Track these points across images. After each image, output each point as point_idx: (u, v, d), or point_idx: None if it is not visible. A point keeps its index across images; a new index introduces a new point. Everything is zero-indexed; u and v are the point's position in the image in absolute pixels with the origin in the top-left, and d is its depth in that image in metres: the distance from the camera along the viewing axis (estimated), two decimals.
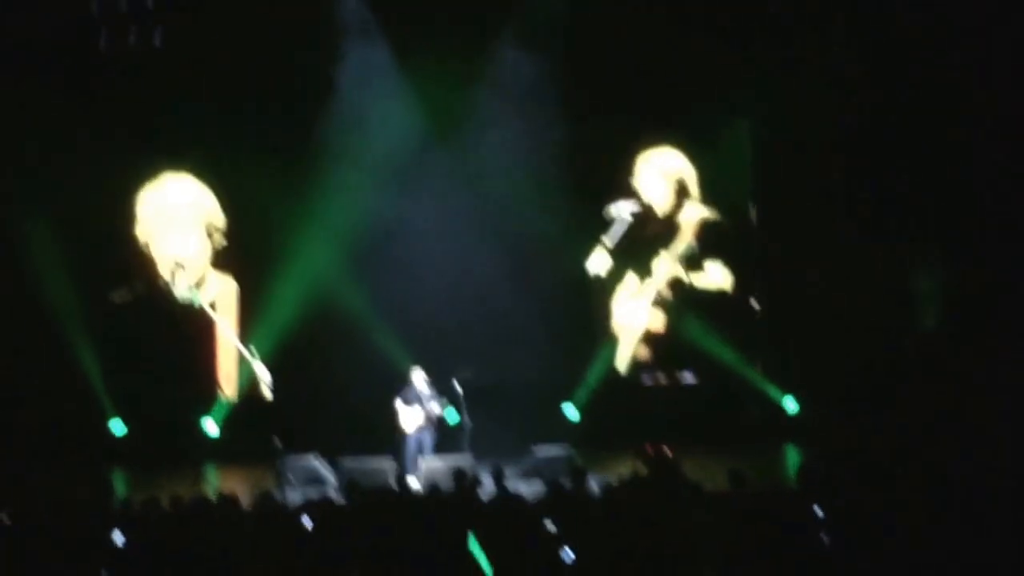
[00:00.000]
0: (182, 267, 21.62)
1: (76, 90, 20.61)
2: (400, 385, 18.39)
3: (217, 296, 21.66)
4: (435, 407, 18.03)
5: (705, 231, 21.15)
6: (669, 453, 15.99)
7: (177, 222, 21.76)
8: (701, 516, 11.22)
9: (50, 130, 20.38)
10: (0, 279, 20.59)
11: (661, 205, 21.23)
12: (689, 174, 21.18)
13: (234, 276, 21.70)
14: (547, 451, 18.14)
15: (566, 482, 13.34)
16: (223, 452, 20.78)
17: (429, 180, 20.95)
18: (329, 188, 20.56)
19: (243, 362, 20.96)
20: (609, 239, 21.08)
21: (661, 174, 21.21)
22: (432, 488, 13.53)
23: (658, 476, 14.06)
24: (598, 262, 21.06)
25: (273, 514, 12.29)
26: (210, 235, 21.69)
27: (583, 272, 21.24)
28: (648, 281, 21.25)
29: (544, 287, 21.23)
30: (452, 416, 18.25)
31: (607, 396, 20.83)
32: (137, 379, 20.98)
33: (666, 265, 21.13)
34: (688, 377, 21.19)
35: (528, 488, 15.16)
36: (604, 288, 21.29)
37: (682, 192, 21.19)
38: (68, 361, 20.82)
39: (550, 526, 11.51)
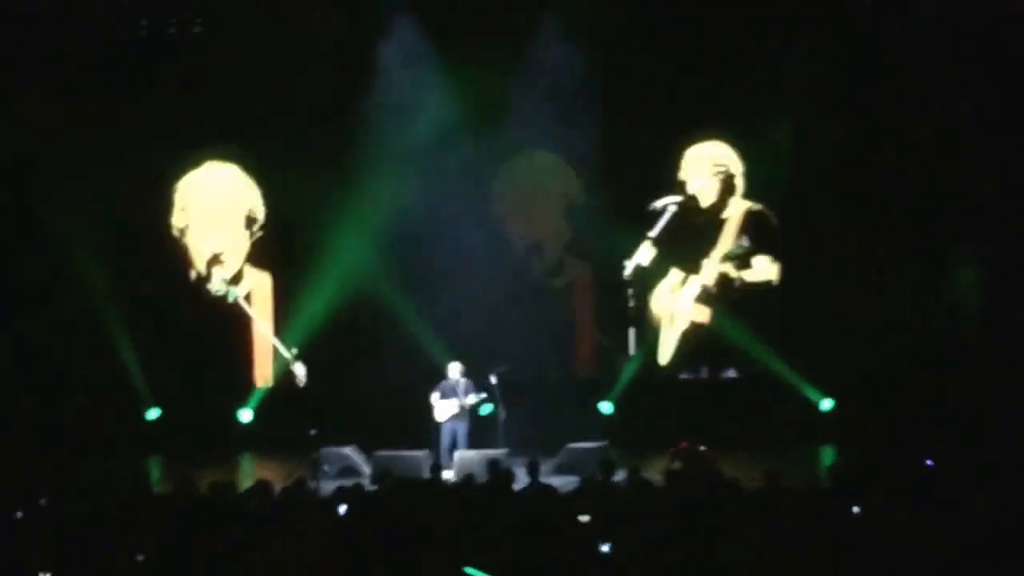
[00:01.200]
0: (220, 262, 21.67)
1: (117, 77, 20.68)
2: (437, 379, 18.41)
3: (252, 289, 21.71)
4: (470, 400, 18.05)
5: (751, 224, 21.06)
6: (704, 450, 16.01)
7: (216, 213, 21.84)
8: (736, 512, 11.20)
9: (90, 117, 20.48)
10: (39, 267, 20.66)
11: (707, 198, 21.18)
12: (736, 168, 21.11)
13: (269, 269, 21.74)
14: (581, 446, 18.12)
15: (598, 475, 13.35)
16: (259, 442, 20.87)
17: (466, 172, 20.94)
18: (366, 179, 20.56)
19: (277, 356, 21.06)
20: (653, 232, 21.04)
21: (708, 168, 21.16)
22: (465, 478, 13.55)
23: (693, 473, 14.05)
24: (641, 255, 21.02)
25: (305, 502, 12.35)
26: (248, 227, 21.75)
27: (623, 267, 21.07)
28: (693, 276, 21.20)
29: (583, 282, 21.28)
30: (486, 408, 18.25)
31: (644, 391, 20.71)
32: (173, 369, 21.05)
33: (714, 262, 21.07)
34: (729, 373, 21.09)
35: (561, 482, 15.10)
36: (645, 281, 21.16)
37: (728, 186, 21.13)
38: (107, 350, 20.90)
39: (583, 518, 11.50)
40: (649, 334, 21.25)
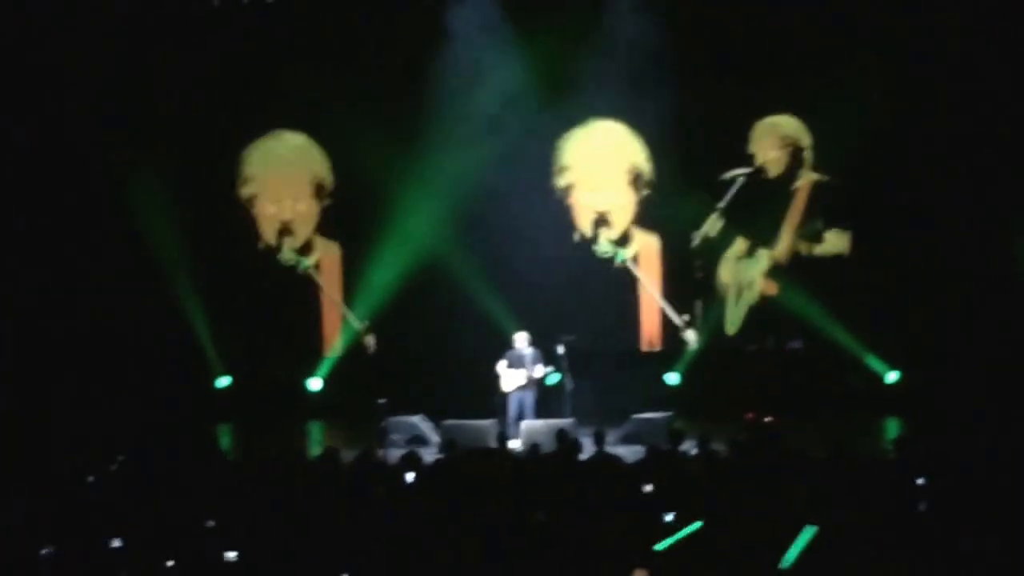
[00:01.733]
0: (290, 231, 21.81)
1: (189, 46, 20.83)
2: (504, 349, 18.48)
3: (321, 259, 21.85)
4: (538, 370, 18.06)
5: (819, 196, 20.97)
6: (770, 420, 15.98)
7: (285, 182, 21.98)
8: (801, 482, 11.20)
9: (162, 84, 20.68)
10: (111, 235, 20.90)
11: (776, 170, 21.09)
12: (805, 141, 21.01)
13: (338, 238, 21.89)
14: (647, 417, 18.14)
15: (663, 445, 13.38)
16: (328, 411, 21.03)
17: (534, 141, 20.96)
18: (436, 148, 20.59)
19: (347, 325, 21.20)
20: (722, 203, 21.01)
21: (777, 140, 21.07)
22: (532, 448, 13.61)
23: (759, 443, 14.05)
24: (709, 226, 20.99)
25: (374, 469, 12.46)
26: (317, 196, 21.86)
27: (691, 238, 21.05)
28: (763, 248, 21.15)
29: (650, 254, 21.33)
30: (553, 378, 18.28)
31: (711, 361, 20.73)
32: (243, 338, 21.23)
33: (786, 238, 21.02)
34: (795, 344, 20.99)
35: (628, 451, 15.13)
36: (713, 252, 21.14)
37: (797, 159, 21.04)
38: (178, 318, 21.10)
39: (647, 487, 11.54)
40: (716, 305, 21.18)
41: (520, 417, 17.96)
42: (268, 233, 21.87)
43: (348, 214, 21.68)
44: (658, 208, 21.34)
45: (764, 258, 21.25)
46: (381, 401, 17.78)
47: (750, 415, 16.32)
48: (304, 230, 21.87)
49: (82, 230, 20.84)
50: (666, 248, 21.53)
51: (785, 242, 21.16)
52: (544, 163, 21.36)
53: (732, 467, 12.50)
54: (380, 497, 11.46)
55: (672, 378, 20.85)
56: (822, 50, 20.08)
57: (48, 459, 13.52)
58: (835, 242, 21.03)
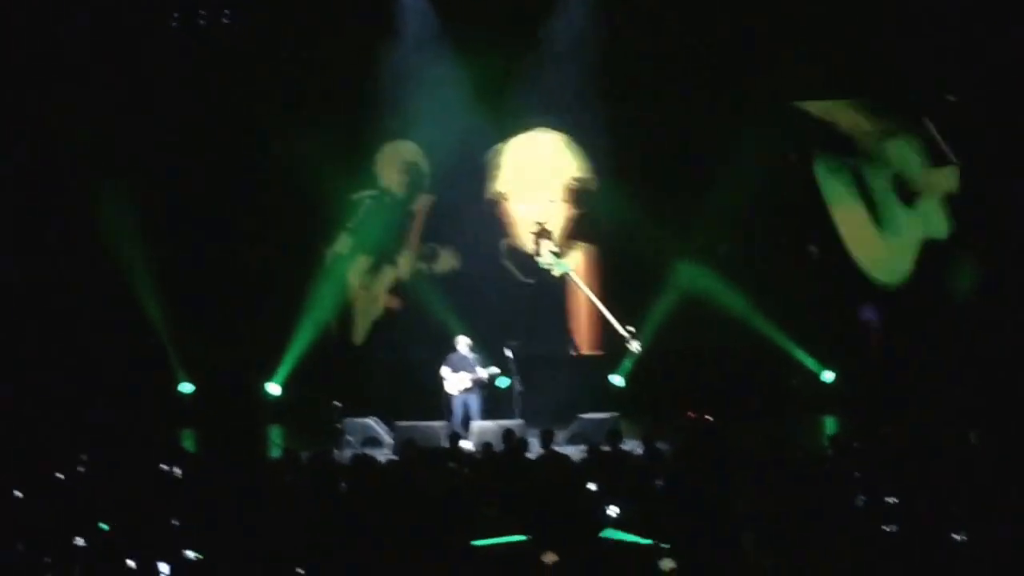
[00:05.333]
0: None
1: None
2: (447, 353, 18.47)
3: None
4: (481, 372, 18.05)
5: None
6: (709, 419, 16.04)
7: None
8: (741, 479, 11.23)
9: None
10: (79, 240, 20.93)
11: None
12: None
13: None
14: (593, 417, 18.17)
15: (605, 444, 13.41)
16: (287, 415, 20.94)
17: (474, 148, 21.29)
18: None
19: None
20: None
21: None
22: (484, 447, 13.63)
23: (700, 441, 14.09)
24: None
25: (327, 469, 12.45)
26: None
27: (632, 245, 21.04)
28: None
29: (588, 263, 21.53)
30: (503, 381, 18.31)
31: (655, 363, 20.68)
32: (207, 344, 21.10)
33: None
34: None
35: (574, 451, 15.14)
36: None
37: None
38: (142, 325, 21.05)
39: (592, 486, 11.55)
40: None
41: (467, 418, 17.99)
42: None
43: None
44: (594, 220, 21.33)
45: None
46: (337, 404, 17.83)
47: (691, 414, 16.38)
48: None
49: (52, 233, 20.84)
50: (602, 258, 21.57)
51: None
52: (480, 170, 21.48)
53: (673, 463, 12.53)
54: (336, 495, 11.44)
55: (617, 380, 20.84)
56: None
57: (16, 458, 13.42)
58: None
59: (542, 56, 20.66)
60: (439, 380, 18.25)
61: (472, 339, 18.54)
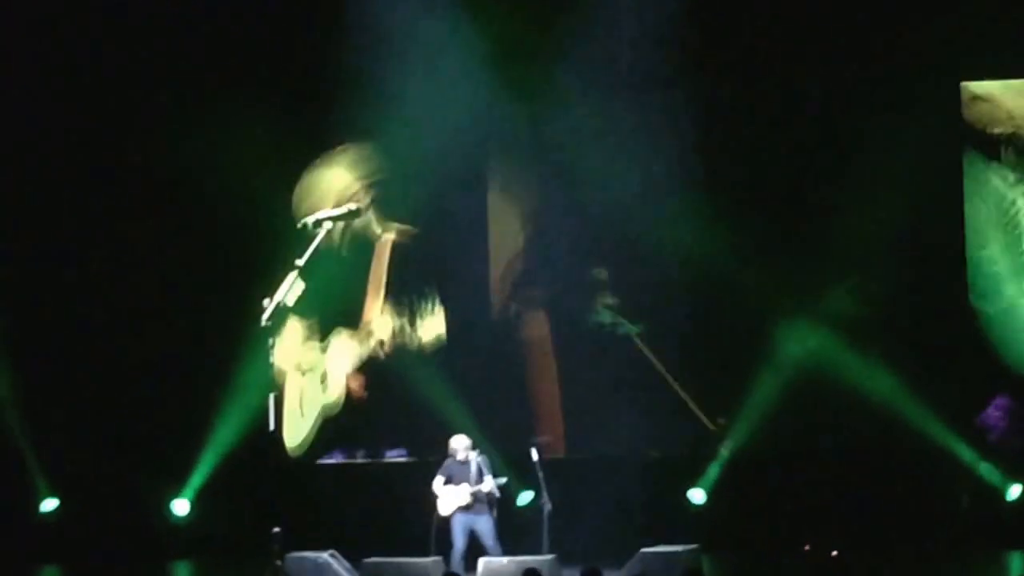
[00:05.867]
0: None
1: None
2: (440, 460, 18.45)
3: None
4: (488, 483, 17.92)
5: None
6: (837, 556, 15.90)
7: None
8: None
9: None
10: None
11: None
12: None
13: None
14: (661, 551, 18.03)
15: None
16: (200, 545, 21.02)
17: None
18: None
19: None
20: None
21: None
22: None
23: None
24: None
25: None
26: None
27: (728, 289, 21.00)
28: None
29: (664, 313, 21.37)
30: (525, 497, 18.23)
31: (752, 470, 20.65)
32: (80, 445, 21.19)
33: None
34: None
35: None
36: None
37: None
38: None
39: None
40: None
41: (471, 550, 17.88)
42: None
43: None
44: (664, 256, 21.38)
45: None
46: (275, 530, 17.68)
47: (807, 547, 16.27)
48: None
49: None
50: (674, 314, 21.53)
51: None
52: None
53: None
54: None
55: (698, 496, 20.74)
56: None
57: None
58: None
59: (589, 13, 20.81)
60: (429, 498, 18.16)
61: (476, 437, 18.47)
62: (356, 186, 21.08)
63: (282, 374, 20.88)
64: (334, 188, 20.96)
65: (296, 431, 21.30)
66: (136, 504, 21.04)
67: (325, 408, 21.46)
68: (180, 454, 21.03)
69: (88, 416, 21.00)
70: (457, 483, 18.01)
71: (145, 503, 21.08)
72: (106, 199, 21.46)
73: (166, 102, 20.98)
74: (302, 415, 21.39)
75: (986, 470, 20.49)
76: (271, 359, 19.97)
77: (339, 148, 21.21)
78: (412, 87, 20.62)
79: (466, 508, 17.95)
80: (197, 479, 21.18)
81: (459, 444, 18.24)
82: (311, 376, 21.48)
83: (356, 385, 21.48)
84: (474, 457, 18.14)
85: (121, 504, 20.93)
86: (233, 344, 20.25)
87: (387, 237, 21.55)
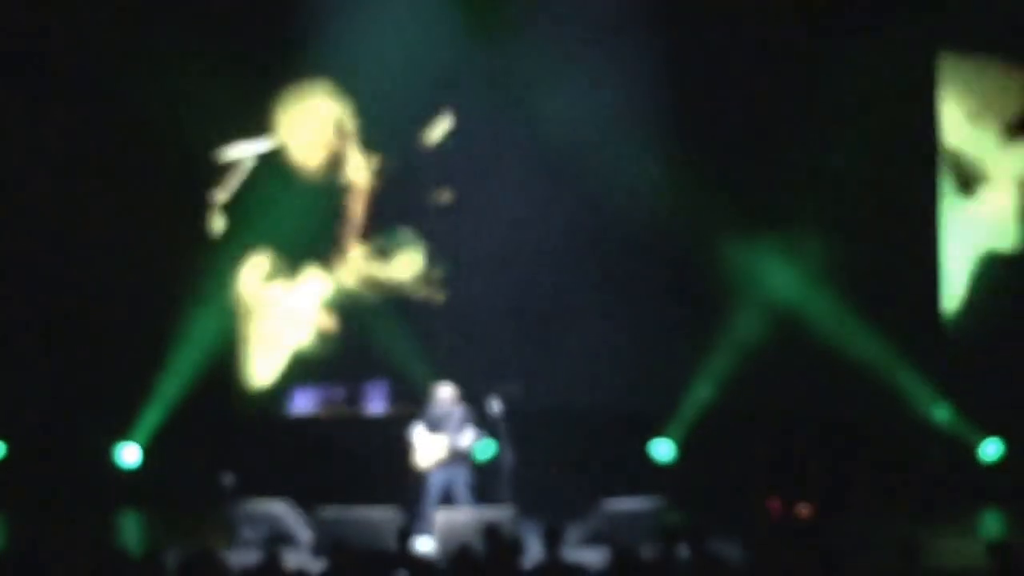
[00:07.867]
0: None
1: None
2: (421, 408, 18.41)
3: None
4: (464, 437, 17.90)
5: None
6: (805, 512, 15.97)
7: None
8: None
9: None
10: None
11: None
12: None
13: None
14: (624, 505, 18.06)
15: (647, 549, 13.26)
16: (149, 494, 20.90)
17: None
18: None
19: None
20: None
21: None
22: (456, 551, 13.44)
23: (788, 546, 14.03)
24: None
25: None
26: None
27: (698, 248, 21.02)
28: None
29: (634, 269, 21.32)
30: (486, 449, 18.21)
31: (719, 424, 20.67)
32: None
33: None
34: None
35: (594, 557, 15.01)
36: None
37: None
38: None
39: None
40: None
41: (444, 500, 17.88)
42: None
43: None
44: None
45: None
46: (227, 479, 17.70)
47: (774, 503, 16.32)
48: None
49: None
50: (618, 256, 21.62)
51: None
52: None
53: None
54: None
55: (663, 449, 20.77)
56: None
57: None
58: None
59: None
60: (404, 446, 18.14)
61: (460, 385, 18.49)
62: (342, 115, 21.29)
63: (248, 310, 21.02)
64: (319, 117, 21.17)
65: (265, 367, 21.39)
66: (81, 450, 20.99)
67: (296, 344, 21.56)
68: (129, 395, 20.94)
69: (32, 356, 20.93)
70: (436, 433, 18.01)
71: (91, 448, 21.02)
72: (56, 134, 21.34)
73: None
74: (271, 350, 21.48)
75: (959, 426, 20.66)
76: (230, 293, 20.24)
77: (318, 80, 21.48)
78: (375, 25, 20.62)
79: (444, 462, 17.96)
80: (146, 424, 21.13)
81: (444, 392, 18.26)
82: (279, 311, 21.55)
83: (328, 321, 21.53)
84: (458, 409, 18.16)
85: (66, 449, 20.88)
86: (182, 277, 20.45)
87: (361, 171, 21.57)
